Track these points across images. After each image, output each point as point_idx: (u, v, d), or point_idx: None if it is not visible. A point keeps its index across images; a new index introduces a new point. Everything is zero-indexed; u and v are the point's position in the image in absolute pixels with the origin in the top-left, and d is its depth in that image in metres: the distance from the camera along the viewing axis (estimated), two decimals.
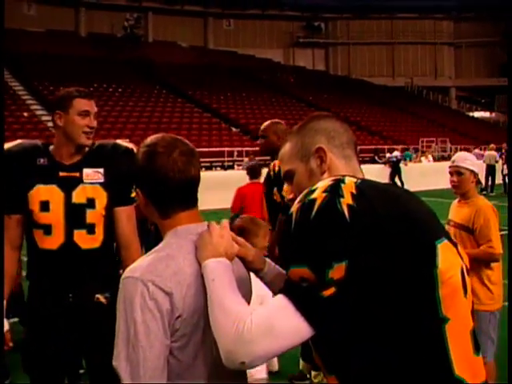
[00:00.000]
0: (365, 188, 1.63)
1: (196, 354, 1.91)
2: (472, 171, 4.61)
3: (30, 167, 3.34)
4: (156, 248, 1.98)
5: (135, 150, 3.36)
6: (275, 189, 5.25)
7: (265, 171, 5.73)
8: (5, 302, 3.32)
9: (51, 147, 3.42)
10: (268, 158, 5.63)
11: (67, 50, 38.74)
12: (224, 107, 35.69)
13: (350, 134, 1.96)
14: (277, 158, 5.40)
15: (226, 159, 25.50)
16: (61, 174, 3.33)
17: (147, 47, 47.06)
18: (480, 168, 4.69)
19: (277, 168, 5.25)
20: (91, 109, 3.36)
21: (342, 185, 1.62)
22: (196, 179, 2.03)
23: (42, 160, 3.35)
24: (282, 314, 1.58)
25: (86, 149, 3.42)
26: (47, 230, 3.32)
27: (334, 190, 1.61)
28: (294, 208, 1.65)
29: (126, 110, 32.14)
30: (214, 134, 30.43)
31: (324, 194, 1.60)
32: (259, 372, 5.45)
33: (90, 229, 3.34)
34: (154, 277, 1.85)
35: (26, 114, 27.82)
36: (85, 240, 3.32)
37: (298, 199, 1.67)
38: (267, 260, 2.11)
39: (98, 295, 3.34)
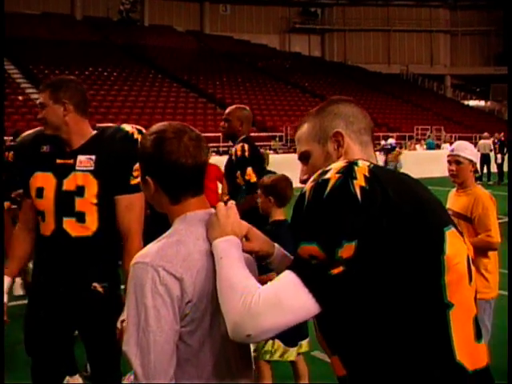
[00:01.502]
0: (378, 172, 1.66)
1: (205, 338, 1.93)
2: (471, 161, 4.64)
3: (33, 155, 3.40)
4: (166, 234, 2.00)
5: (135, 133, 3.36)
6: (238, 172, 5.35)
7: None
8: (12, 279, 3.45)
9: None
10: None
11: (62, 33, 38.58)
12: (219, 92, 35.57)
13: (368, 120, 1.99)
14: (237, 142, 5.48)
15: (221, 144, 25.44)
16: (58, 161, 3.33)
17: (143, 31, 46.82)
18: (477, 157, 4.73)
19: (239, 153, 5.35)
20: (39, 101, 3.38)
21: (356, 167, 1.64)
22: (205, 164, 2.05)
23: (45, 147, 3.38)
24: (290, 289, 1.61)
25: (93, 134, 3.40)
26: (42, 216, 3.35)
27: (348, 171, 1.63)
28: (308, 187, 1.67)
29: (121, 95, 32.01)
30: (210, 119, 30.34)
31: (338, 175, 1.63)
32: None
33: (80, 217, 3.29)
34: (165, 262, 1.87)
35: (20, 98, 27.71)
36: (74, 228, 3.29)
37: (312, 179, 1.69)
38: (276, 245, 2.12)
39: (95, 284, 3.31)
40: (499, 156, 24.51)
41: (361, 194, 1.58)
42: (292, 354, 4.43)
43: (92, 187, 3.29)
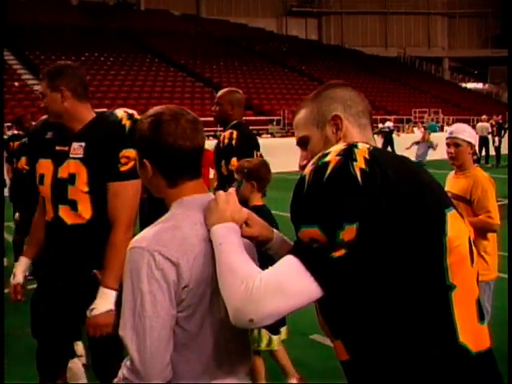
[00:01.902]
0: (377, 154, 1.64)
1: (202, 323, 1.92)
2: (469, 143, 4.63)
3: (39, 142, 3.43)
4: (162, 218, 1.98)
5: (124, 120, 3.29)
6: (223, 161, 5.16)
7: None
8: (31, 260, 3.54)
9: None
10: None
11: (58, 18, 38.43)
12: (216, 76, 35.49)
13: (365, 103, 1.97)
14: (227, 128, 5.27)
15: (218, 129, 25.38)
16: (57, 147, 3.32)
17: (139, 16, 46.65)
18: (476, 140, 4.72)
19: (226, 140, 5.16)
20: (40, 90, 3.40)
21: (356, 149, 1.63)
22: (202, 147, 2.04)
23: (49, 134, 3.38)
24: (292, 273, 1.60)
25: (89, 120, 3.36)
26: (44, 202, 3.40)
27: (348, 153, 1.62)
28: (308, 170, 1.66)
29: (117, 80, 31.96)
30: (207, 104, 30.23)
31: (338, 158, 1.62)
32: None
33: (73, 205, 3.26)
34: (161, 247, 1.85)
35: (16, 84, 27.63)
36: (69, 216, 3.28)
37: (312, 162, 1.68)
38: (275, 231, 2.11)
39: (95, 271, 3.27)
40: (497, 139, 24.50)
41: (361, 176, 1.57)
42: (276, 342, 4.41)
43: (82, 175, 3.24)
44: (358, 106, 1.94)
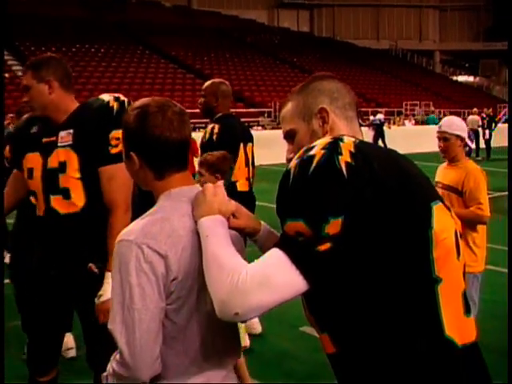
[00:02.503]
0: (363, 147, 1.64)
1: (191, 316, 1.92)
2: (458, 136, 4.64)
3: (24, 137, 3.39)
4: (150, 211, 1.98)
5: (111, 102, 3.29)
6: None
7: None
8: None
9: None
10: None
11: (50, 9, 38.18)
12: (207, 68, 35.41)
13: (352, 95, 1.96)
14: (212, 121, 5.26)
15: (208, 120, 25.29)
16: (44, 140, 3.29)
17: (130, 7, 46.45)
18: (466, 133, 4.71)
19: (207, 135, 5.15)
20: (23, 83, 3.31)
21: (341, 143, 1.63)
22: (189, 139, 2.04)
23: (34, 128, 3.36)
24: (278, 266, 1.59)
25: (74, 108, 3.34)
26: (35, 196, 3.34)
27: (333, 147, 1.62)
28: (293, 163, 1.66)
29: (108, 71, 31.85)
30: (198, 95, 30.12)
31: (323, 151, 1.61)
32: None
33: (65, 193, 3.24)
34: (149, 239, 1.85)
35: (7, 75, 27.46)
36: (62, 205, 3.25)
37: (297, 156, 1.67)
38: (262, 223, 2.11)
39: (91, 264, 3.24)
40: (487, 132, 24.56)
41: (346, 170, 1.57)
42: (243, 331, 4.41)
43: (73, 162, 3.22)
44: (345, 98, 1.93)
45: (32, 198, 3.37)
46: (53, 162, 3.25)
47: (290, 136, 1.95)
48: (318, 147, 1.64)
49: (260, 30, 49.00)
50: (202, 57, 37.20)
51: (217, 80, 5.50)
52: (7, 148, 4.02)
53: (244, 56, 39.63)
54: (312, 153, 1.63)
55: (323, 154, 1.61)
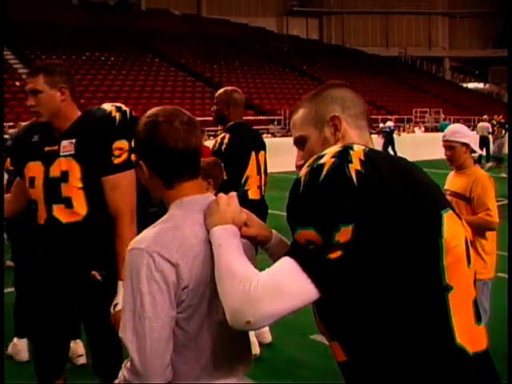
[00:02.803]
0: (373, 155, 1.64)
1: (202, 324, 1.93)
2: (463, 143, 4.63)
3: (25, 146, 3.38)
4: (161, 219, 1.99)
5: (114, 113, 3.31)
6: None
7: None
8: None
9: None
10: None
11: (59, 17, 38.35)
12: (217, 76, 35.46)
13: (363, 104, 1.96)
14: (224, 130, 5.26)
15: (219, 128, 25.30)
16: (46, 148, 3.29)
17: (140, 15, 46.63)
18: (474, 138, 4.70)
19: (217, 145, 5.16)
20: (28, 87, 3.28)
21: (351, 151, 1.63)
22: (198, 148, 2.04)
23: (35, 137, 3.35)
24: (289, 274, 1.59)
25: (76, 117, 3.34)
26: (36, 205, 3.33)
27: (343, 155, 1.62)
28: (303, 172, 1.65)
29: (118, 79, 31.93)
30: (207, 103, 30.17)
31: (333, 159, 1.61)
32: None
33: (68, 203, 3.25)
34: (160, 248, 1.86)
35: (17, 83, 27.55)
36: (64, 214, 3.25)
37: (307, 164, 1.67)
38: (273, 231, 2.11)
39: (94, 272, 3.25)
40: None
41: (356, 178, 1.57)
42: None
43: (75, 171, 3.23)
44: (357, 107, 1.93)
45: (34, 208, 3.37)
46: (55, 172, 3.25)
47: (300, 142, 1.95)
48: (328, 155, 1.64)
49: (269, 37, 49.06)
50: (211, 65, 37.26)
51: (230, 88, 5.49)
52: (8, 161, 4.03)
53: (253, 64, 39.66)
54: (322, 161, 1.63)
55: (333, 163, 1.61)
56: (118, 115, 3.29)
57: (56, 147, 3.26)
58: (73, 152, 3.23)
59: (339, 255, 1.56)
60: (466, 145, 4.65)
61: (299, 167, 1.88)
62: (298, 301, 1.61)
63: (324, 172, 1.60)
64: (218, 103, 5.34)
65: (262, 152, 5.44)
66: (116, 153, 3.23)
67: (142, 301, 1.83)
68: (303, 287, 1.59)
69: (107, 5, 47.40)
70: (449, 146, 4.66)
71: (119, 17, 43.70)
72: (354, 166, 1.59)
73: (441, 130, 30.30)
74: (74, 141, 3.23)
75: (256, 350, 5.10)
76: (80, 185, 3.23)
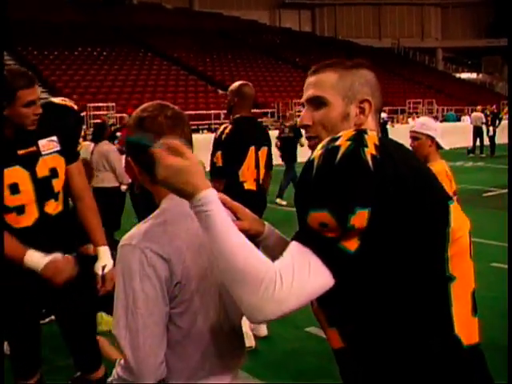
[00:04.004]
0: (386, 142, 1.63)
1: (195, 319, 1.91)
2: (428, 136, 4.63)
3: None
4: (152, 215, 1.97)
5: (73, 106, 3.52)
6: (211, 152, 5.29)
7: None
8: None
9: None
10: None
11: (51, 14, 38.28)
12: (210, 69, 35.45)
13: (382, 100, 1.93)
14: (231, 121, 5.39)
15: (212, 122, 25.38)
16: (19, 152, 3.23)
17: (132, 10, 46.54)
18: (439, 132, 4.67)
19: (218, 133, 5.30)
20: (36, 96, 3.22)
21: (366, 135, 1.60)
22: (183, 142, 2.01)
23: None
24: (311, 269, 1.55)
25: None
26: (20, 210, 3.27)
27: (358, 139, 1.59)
28: (317, 154, 1.61)
29: (111, 74, 31.88)
30: (201, 97, 30.27)
31: (348, 142, 1.58)
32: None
33: (56, 196, 3.37)
34: (152, 243, 1.84)
35: None
36: (53, 207, 3.35)
37: (320, 146, 1.63)
38: (266, 223, 2.08)
39: (66, 255, 3.31)
40: (491, 128, 24.54)
41: (372, 162, 1.54)
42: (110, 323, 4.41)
43: (62, 166, 3.38)
44: (380, 101, 1.90)
45: (9, 215, 3.26)
46: (42, 171, 3.27)
47: (318, 103, 1.86)
48: (343, 138, 1.60)
49: (262, 30, 49.04)
50: (204, 58, 37.24)
51: (241, 82, 5.58)
52: None
53: (246, 57, 39.64)
54: (337, 143, 1.59)
55: (349, 145, 1.57)
56: (75, 107, 3.56)
57: (34, 148, 3.25)
58: (58, 148, 3.33)
59: (357, 246, 1.54)
60: (431, 137, 4.65)
61: (303, 126, 1.85)
62: (318, 292, 1.59)
63: (340, 154, 1.56)
64: (228, 95, 5.49)
65: (265, 148, 5.53)
66: (80, 141, 3.54)
67: (134, 297, 1.81)
68: (324, 280, 1.57)
69: (99, 0, 47.24)
70: (414, 136, 4.69)
71: (111, 11, 43.62)
72: (370, 150, 1.56)
73: (448, 119, 30.71)
74: (54, 138, 3.32)
75: (251, 342, 5.11)
76: (64, 177, 3.40)
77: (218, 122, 25.73)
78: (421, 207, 1.58)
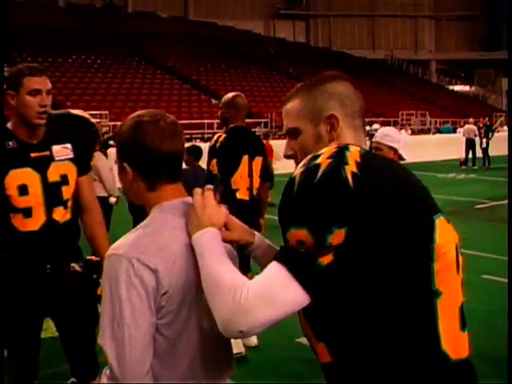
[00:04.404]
0: (369, 158, 1.62)
1: (183, 329, 1.89)
2: (390, 147, 4.61)
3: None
4: (141, 224, 1.95)
5: (90, 119, 3.57)
6: (207, 160, 5.43)
7: None
8: None
9: (9, 125, 3.30)
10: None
11: (46, 20, 38.29)
12: (203, 79, 35.50)
13: (361, 102, 1.91)
14: (225, 130, 5.48)
15: (206, 131, 25.39)
16: (32, 155, 3.26)
17: (126, 18, 46.58)
18: (402, 144, 4.64)
19: (212, 142, 5.43)
20: (43, 86, 3.21)
21: (347, 152, 1.61)
22: (181, 151, 2.01)
23: (10, 143, 3.25)
24: (280, 282, 1.57)
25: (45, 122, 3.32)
26: (27, 212, 3.27)
27: (339, 156, 1.59)
28: (298, 172, 1.63)
29: (104, 82, 31.89)
30: (194, 106, 30.30)
31: (329, 160, 1.59)
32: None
33: (65, 204, 3.38)
34: (139, 253, 1.82)
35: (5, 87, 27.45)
36: (62, 215, 3.36)
37: (301, 164, 1.65)
38: (256, 234, 2.07)
39: (73, 264, 3.39)
40: (484, 140, 24.64)
41: (352, 180, 1.54)
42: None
43: (73, 174, 3.40)
44: (355, 105, 1.88)
45: (16, 216, 3.26)
46: (53, 176, 3.31)
47: (293, 133, 1.89)
48: (324, 156, 1.61)
49: (256, 40, 49.14)
50: (198, 68, 37.28)
51: (234, 93, 5.66)
52: None
53: (240, 67, 39.71)
54: (318, 161, 1.60)
55: (329, 163, 1.58)
56: (93, 121, 3.61)
57: (47, 152, 3.29)
58: (71, 156, 3.38)
59: (330, 260, 1.55)
60: (394, 149, 4.64)
61: (287, 157, 1.88)
62: (290, 308, 1.60)
63: (320, 172, 1.57)
64: (222, 107, 5.56)
65: (259, 158, 5.60)
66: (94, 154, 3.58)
67: (120, 307, 1.80)
68: (295, 294, 1.57)
69: (94, 7, 47.32)
70: (376, 147, 4.67)
71: (106, 20, 43.63)
72: (350, 167, 1.57)
73: (443, 131, 30.96)
74: (68, 145, 3.37)
75: (241, 348, 5.11)
76: (74, 186, 3.43)
77: (211, 131, 25.73)
78: (403, 222, 1.57)
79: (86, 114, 3.59)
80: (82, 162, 3.46)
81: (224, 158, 5.29)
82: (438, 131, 32.63)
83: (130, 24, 43.20)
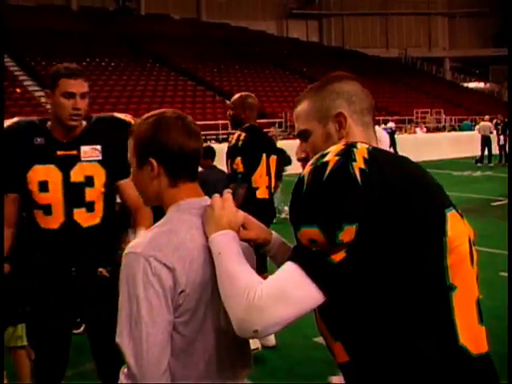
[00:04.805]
0: (376, 154, 1.63)
1: (200, 328, 1.91)
2: None
3: (27, 147, 3.29)
4: (158, 223, 1.97)
5: (133, 122, 3.39)
6: (229, 160, 5.44)
7: None
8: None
9: (49, 123, 3.35)
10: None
11: (59, 24, 38.41)
12: (217, 80, 35.50)
13: (369, 99, 1.93)
14: (242, 129, 5.52)
15: (220, 132, 25.40)
16: (58, 152, 3.28)
17: (139, 20, 46.67)
18: (386, 144, 4.61)
19: (233, 141, 5.44)
20: (77, 89, 3.24)
21: (355, 149, 1.62)
22: (201, 150, 2.04)
23: (39, 139, 3.29)
24: (294, 280, 1.58)
25: (84, 123, 3.37)
26: (47, 210, 3.30)
27: (347, 153, 1.61)
28: (306, 170, 1.64)
29: (119, 85, 31.96)
30: (208, 107, 30.32)
31: (337, 158, 1.60)
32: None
33: (90, 207, 3.33)
34: (156, 252, 1.84)
35: (18, 90, 27.60)
36: (85, 218, 3.32)
37: (310, 162, 1.66)
38: (273, 233, 2.09)
39: (100, 269, 3.35)
40: (502, 137, 24.46)
41: (360, 176, 1.55)
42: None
43: (101, 176, 3.35)
44: (363, 102, 1.90)
45: (38, 212, 3.30)
46: (77, 176, 3.30)
47: (303, 136, 1.92)
48: (332, 154, 1.63)
49: (269, 40, 49.05)
50: (211, 69, 37.29)
51: (244, 93, 5.72)
52: None
53: (254, 67, 39.68)
54: (326, 159, 1.62)
55: (337, 161, 1.60)
56: (132, 121, 3.43)
57: (75, 152, 3.30)
58: (99, 158, 3.34)
59: (342, 257, 1.55)
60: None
61: (300, 160, 1.89)
62: (304, 306, 1.60)
63: (328, 170, 1.58)
64: (234, 108, 5.59)
65: (273, 156, 5.72)
66: None
67: (138, 306, 1.81)
68: (308, 293, 1.58)
69: (107, 10, 47.42)
70: None
71: (119, 22, 43.74)
72: (358, 164, 1.58)
73: (463, 129, 30.88)
74: (99, 147, 3.34)
75: (257, 344, 5.11)
76: (103, 189, 3.36)
77: (225, 132, 25.76)
78: (414, 217, 1.58)
79: (128, 118, 3.53)
80: (118, 166, 3.30)
81: (247, 156, 5.34)
82: (458, 128, 32.50)
83: (142, 26, 43.26)
